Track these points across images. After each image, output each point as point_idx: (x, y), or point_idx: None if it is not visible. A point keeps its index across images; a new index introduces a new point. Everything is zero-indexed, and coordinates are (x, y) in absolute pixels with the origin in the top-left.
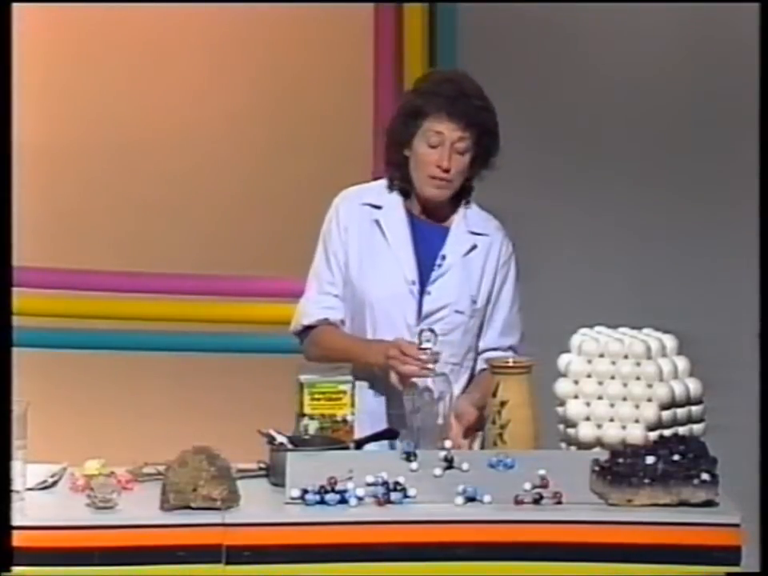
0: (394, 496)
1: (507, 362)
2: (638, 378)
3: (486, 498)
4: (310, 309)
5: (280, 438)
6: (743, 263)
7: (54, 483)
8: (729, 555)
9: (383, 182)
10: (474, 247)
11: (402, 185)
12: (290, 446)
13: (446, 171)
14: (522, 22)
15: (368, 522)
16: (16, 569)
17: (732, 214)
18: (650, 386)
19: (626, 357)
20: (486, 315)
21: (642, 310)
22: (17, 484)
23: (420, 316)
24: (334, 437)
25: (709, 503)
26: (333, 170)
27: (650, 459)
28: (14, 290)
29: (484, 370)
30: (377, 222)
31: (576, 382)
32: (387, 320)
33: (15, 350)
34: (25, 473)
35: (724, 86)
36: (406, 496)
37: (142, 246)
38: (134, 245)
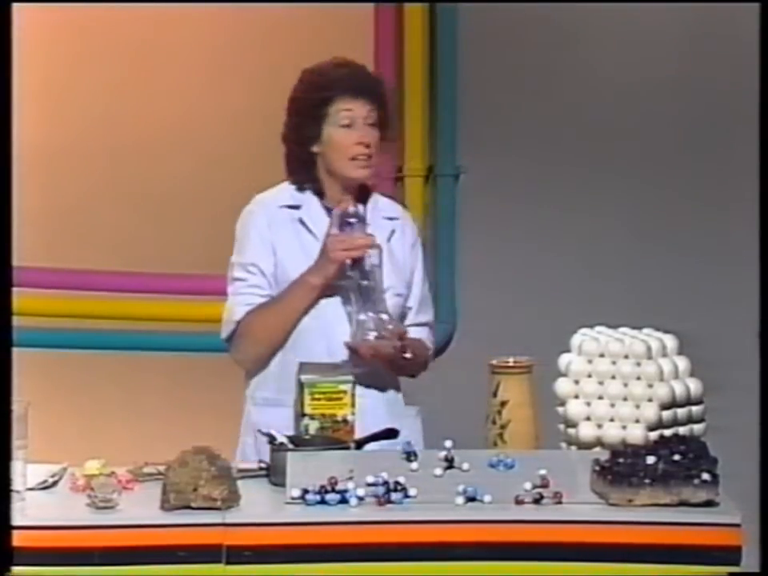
0: (394, 496)
1: (508, 362)
2: (638, 378)
3: (487, 498)
4: (237, 307)
5: (280, 438)
6: (744, 263)
7: (55, 483)
8: (729, 555)
9: (289, 185)
10: (393, 232)
11: (314, 185)
12: (290, 446)
13: (368, 146)
14: (522, 22)
15: (368, 522)
16: (16, 569)
17: (733, 213)
18: (650, 385)
19: (626, 357)
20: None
21: (642, 309)
22: (17, 484)
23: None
24: (334, 437)
25: (709, 503)
26: None
27: (650, 459)
28: (14, 289)
29: None
30: (300, 220)
31: (576, 382)
32: (333, 314)
33: (15, 350)
34: (25, 473)
35: (724, 87)
36: (406, 496)
37: (142, 245)
38: (134, 244)
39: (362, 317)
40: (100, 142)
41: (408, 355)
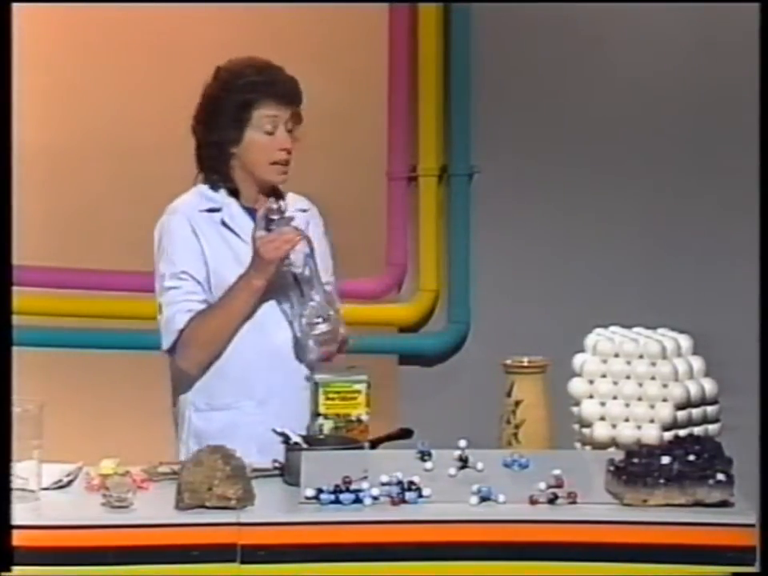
0: (408, 495)
1: (522, 362)
2: (653, 378)
3: (501, 498)
4: (177, 315)
5: (295, 438)
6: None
7: (70, 483)
8: (744, 555)
9: (202, 188)
10: (308, 223)
11: (227, 185)
12: (304, 446)
13: (288, 152)
14: (535, 22)
15: (382, 522)
16: (27, 568)
17: (749, 213)
18: (665, 385)
19: (641, 357)
20: None
21: (656, 309)
22: (32, 483)
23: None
24: (348, 436)
25: (724, 503)
26: (346, 171)
27: (665, 459)
28: (15, 289)
29: None
30: (222, 222)
31: (591, 382)
32: (267, 307)
33: (29, 351)
34: (40, 472)
35: (731, 87)
36: (420, 495)
37: (144, 245)
38: (137, 244)
39: (306, 308)
40: (107, 142)
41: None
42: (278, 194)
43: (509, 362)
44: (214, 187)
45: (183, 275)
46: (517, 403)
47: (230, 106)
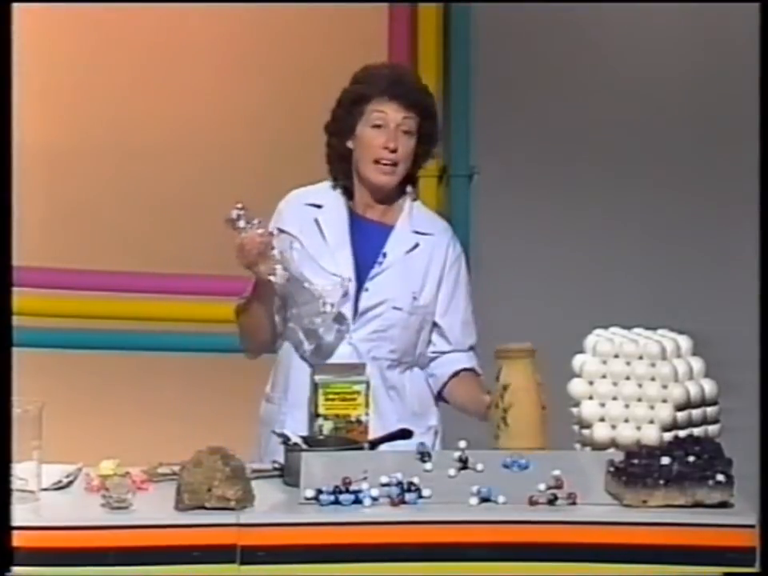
0: (408, 496)
1: (509, 347)
2: (652, 379)
3: (501, 499)
4: (239, 299)
5: (295, 438)
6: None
7: (69, 483)
8: (743, 556)
9: (328, 182)
10: (416, 246)
11: (345, 182)
12: (304, 447)
13: (393, 152)
14: (536, 22)
15: (382, 523)
16: (27, 569)
17: (750, 213)
18: (664, 386)
19: (640, 357)
20: (443, 318)
21: (656, 310)
22: (32, 484)
23: (357, 312)
24: (348, 437)
25: (724, 504)
26: None
27: (664, 460)
28: (15, 289)
29: (458, 373)
30: (316, 220)
31: (591, 383)
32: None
33: (32, 351)
34: (40, 473)
35: (732, 86)
36: (420, 496)
37: (144, 245)
38: (136, 244)
39: (302, 308)
40: (109, 142)
41: (487, 398)
42: (393, 201)
43: (497, 347)
44: (334, 182)
45: None
46: (505, 387)
47: (347, 98)
